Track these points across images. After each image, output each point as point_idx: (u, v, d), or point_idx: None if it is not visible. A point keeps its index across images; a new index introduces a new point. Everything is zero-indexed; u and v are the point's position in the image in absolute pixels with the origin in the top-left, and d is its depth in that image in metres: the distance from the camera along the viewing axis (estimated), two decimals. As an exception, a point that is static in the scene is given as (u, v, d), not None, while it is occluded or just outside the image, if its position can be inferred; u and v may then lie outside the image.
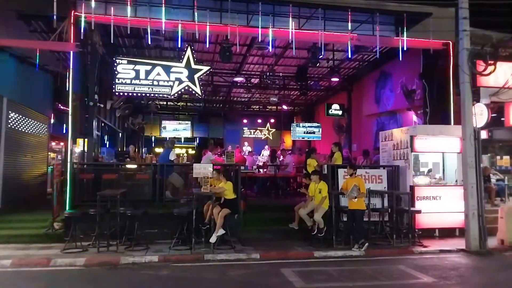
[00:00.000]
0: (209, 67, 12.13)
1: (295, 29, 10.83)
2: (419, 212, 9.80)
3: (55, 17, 9.58)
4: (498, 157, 14.98)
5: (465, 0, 9.34)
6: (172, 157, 10.97)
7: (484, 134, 11.70)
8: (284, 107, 23.41)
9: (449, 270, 7.56)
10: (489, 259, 8.63)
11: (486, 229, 9.15)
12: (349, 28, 10.85)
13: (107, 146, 18.66)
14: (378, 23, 10.98)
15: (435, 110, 11.99)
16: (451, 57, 11.44)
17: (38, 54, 10.78)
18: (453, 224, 10.29)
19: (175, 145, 14.19)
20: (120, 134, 22.13)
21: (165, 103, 23.86)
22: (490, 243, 9.23)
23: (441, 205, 10.30)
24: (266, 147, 21.17)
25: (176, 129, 26.08)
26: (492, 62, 9.59)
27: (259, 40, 11.11)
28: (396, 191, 10.36)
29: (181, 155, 18.72)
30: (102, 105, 15.07)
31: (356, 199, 8.86)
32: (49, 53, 12.93)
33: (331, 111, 19.49)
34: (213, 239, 8.53)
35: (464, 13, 9.35)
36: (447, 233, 10.27)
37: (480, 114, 10.10)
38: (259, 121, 26.98)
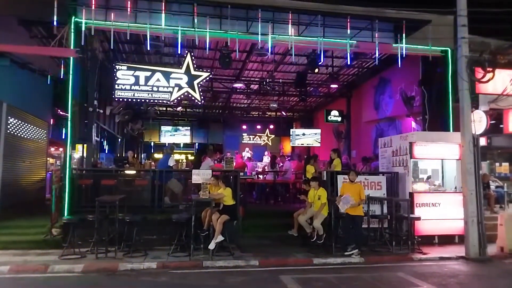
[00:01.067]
0: (209, 73, 12.16)
1: (294, 36, 10.88)
2: (418, 219, 9.78)
3: (55, 23, 9.60)
4: (497, 164, 14.98)
5: (463, 8, 9.40)
6: (171, 163, 10.97)
7: (483, 141, 11.73)
8: (283, 113, 23.45)
9: (448, 277, 7.53)
10: (488, 267, 8.60)
11: (485, 236, 9.13)
12: (349, 35, 10.90)
13: (106, 152, 18.64)
14: (377, 30, 11.03)
15: (434, 116, 12.03)
16: (450, 64, 11.50)
17: (38, 59, 10.81)
18: (452, 231, 10.26)
19: (174, 151, 14.19)
20: (120, 139, 22.14)
21: (164, 109, 23.90)
22: (490, 250, 9.21)
23: (440, 212, 10.28)
24: (266, 153, 21.17)
25: (173, 134, 26.01)
26: (490, 69, 9.63)
27: (259, 46, 11.15)
28: (395, 197, 10.36)
29: (180, 161, 18.70)
30: (101, 111, 15.12)
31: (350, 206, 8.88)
32: (49, 59, 12.97)
33: (330, 117, 19.54)
34: (212, 246, 8.49)
35: (462, 21, 9.40)
36: (446, 240, 10.24)
37: (479, 121, 10.14)
38: (258, 127, 27.04)
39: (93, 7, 9.82)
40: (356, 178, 9.40)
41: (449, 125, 11.59)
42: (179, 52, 11.34)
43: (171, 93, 11.40)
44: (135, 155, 19.67)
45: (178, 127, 26.24)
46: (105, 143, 19.20)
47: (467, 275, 7.94)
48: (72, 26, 9.85)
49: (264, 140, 26.71)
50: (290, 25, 10.76)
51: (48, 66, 13.03)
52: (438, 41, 11.19)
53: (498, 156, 15.01)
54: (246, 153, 20.93)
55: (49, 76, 13.54)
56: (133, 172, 11.61)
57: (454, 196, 10.28)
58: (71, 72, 10.00)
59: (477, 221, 9.14)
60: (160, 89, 11.35)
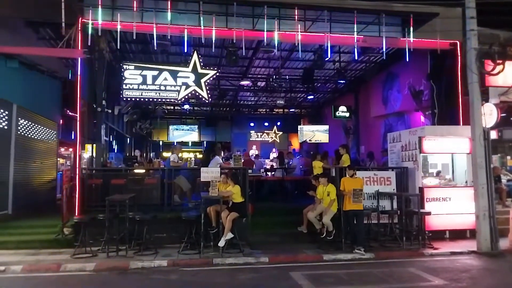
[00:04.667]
0: (216, 71, 12.16)
1: (301, 32, 10.82)
2: (428, 214, 9.71)
3: (63, 24, 9.67)
4: (509, 157, 14.80)
5: (472, 0, 9.28)
6: (171, 158, 11.05)
7: (493, 134, 11.57)
8: (291, 109, 23.36)
9: (460, 272, 7.47)
10: (500, 261, 8.52)
11: (497, 230, 9.04)
12: (355, 29, 10.83)
13: (115, 151, 18.77)
14: (384, 24, 10.94)
15: (443, 110, 11.91)
16: (459, 57, 11.33)
17: (46, 61, 10.90)
18: (463, 225, 10.17)
19: (182, 149, 14.27)
20: (128, 139, 22.27)
21: (172, 107, 23.98)
22: (502, 245, 9.13)
23: (451, 206, 10.19)
24: (274, 149, 21.15)
25: (178, 128, 26.08)
26: (500, 61, 9.51)
27: (265, 43, 11.12)
28: (405, 193, 10.28)
29: (188, 159, 18.74)
30: (110, 111, 15.17)
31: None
32: (57, 60, 13.07)
33: (338, 113, 19.43)
34: (221, 243, 8.53)
35: (471, 13, 9.29)
36: (457, 234, 10.16)
37: (489, 114, 9.97)
38: (266, 124, 26.96)
39: (99, 8, 9.88)
40: (354, 172, 9.34)
41: (459, 119, 11.44)
42: (185, 50, 11.36)
43: (179, 91, 11.43)
44: (144, 154, 19.77)
45: (186, 125, 26.36)
46: (114, 142, 19.33)
47: (479, 269, 7.88)
48: (79, 27, 9.91)
49: (272, 137, 26.65)
50: (296, 21, 10.71)
51: (56, 67, 13.13)
52: (446, 34, 11.05)
53: (510, 149, 14.82)
54: (254, 151, 20.95)
55: (57, 77, 13.66)
56: (143, 171, 11.68)
57: (465, 191, 10.19)
58: (79, 72, 10.07)
59: (488, 215, 9.05)
60: (168, 88, 11.39)
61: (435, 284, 6.79)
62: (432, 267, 7.80)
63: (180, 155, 12.00)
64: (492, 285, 7.06)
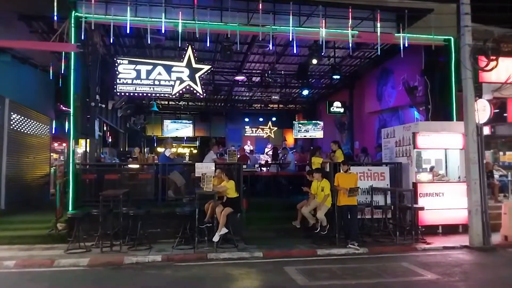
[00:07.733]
0: (210, 66, 12.11)
1: (295, 27, 10.80)
2: (422, 209, 9.77)
3: (55, 17, 9.57)
4: (501, 153, 14.92)
5: (466, -4, 9.31)
6: (167, 153, 11.04)
7: (486, 130, 11.64)
8: (286, 105, 23.36)
9: (452, 266, 7.54)
10: (493, 255, 8.61)
11: (489, 225, 9.13)
12: (350, 25, 10.82)
13: (109, 146, 18.67)
14: (379, 20, 10.94)
15: (437, 106, 11.97)
16: (453, 53, 11.37)
17: (39, 55, 10.80)
18: (456, 220, 10.26)
19: (173, 144, 14.23)
20: (122, 134, 22.16)
21: (166, 102, 23.88)
22: (494, 239, 9.21)
23: (444, 201, 10.27)
24: (269, 145, 21.17)
25: (172, 123, 26.02)
26: (494, 57, 9.57)
27: (260, 38, 11.08)
28: (398, 188, 10.34)
29: (181, 154, 18.72)
30: (103, 105, 15.09)
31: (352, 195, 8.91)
32: (50, 54, 12.94)
33: (333, 108, 19.46)
34: (216, 238, 8.53)
35: (465, 9, 9.32)
36: (450, 229, 10.25)
37: (482, 110, 10.04)
38: (261, 119, 26.95)
39: (93, 1, 9.77)
40: (348, 168, 9.34)
41: (453, 114, 11.50)
42: (180, 45, 11.29)
43: (173, 86, 11.38)
44: (141, 150, 19.66)
45: (180, 120, 26.27)
46: (108, 137, 19.22)
47: (471, 264, 7.96)
48: (73, 21, 9.82)
49: (266, 133, 26.65)
50: (291, 16, 10.68)
51: (49, 61, 13.01)
52: (440, 30, 11.09)
53: (502, 145, 14.93)
54: (249, 147, 20.95)
55: (50, 71, 13.55)
56: (137, 166, 11.64)
57: (458, 186, 10.27)
58: (72, 67, 9.98)
59: (481, 210, 9.13)
60: (162, 82, 11.33)
61: (427, 278, 6.85)
62: (425, 261, 7.87)
63: (173, 150, 11.98)
64: (484, 280, 7.12)
